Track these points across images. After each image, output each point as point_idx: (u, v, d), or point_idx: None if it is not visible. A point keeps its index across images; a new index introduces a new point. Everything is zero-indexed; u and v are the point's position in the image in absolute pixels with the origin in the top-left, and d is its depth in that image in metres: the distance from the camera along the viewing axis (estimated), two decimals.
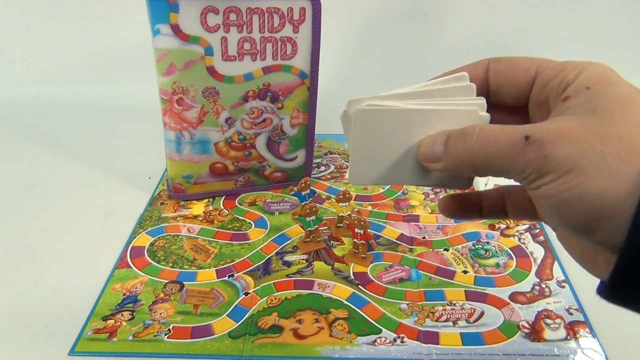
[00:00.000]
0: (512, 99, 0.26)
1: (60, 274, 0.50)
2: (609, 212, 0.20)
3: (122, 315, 0.45)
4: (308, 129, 0.59)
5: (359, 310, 0.45)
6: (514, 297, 0.46)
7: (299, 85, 0.56)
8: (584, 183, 0.20)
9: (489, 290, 0.47)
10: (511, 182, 0.24)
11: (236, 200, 0.60)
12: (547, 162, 0.21)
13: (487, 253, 0.51)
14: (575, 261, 0.26)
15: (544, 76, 0.25)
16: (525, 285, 0.48)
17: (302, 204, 0.53)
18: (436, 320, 0.44)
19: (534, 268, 0.50)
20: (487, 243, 0.53)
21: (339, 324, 0.44)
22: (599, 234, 0.21)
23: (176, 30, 0.50)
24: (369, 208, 0.58)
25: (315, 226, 0.52)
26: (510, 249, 0.52)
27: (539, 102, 0.25)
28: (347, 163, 0.66)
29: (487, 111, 0.25)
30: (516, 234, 0.54)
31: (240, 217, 0.57)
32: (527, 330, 0.43)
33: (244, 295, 0.47)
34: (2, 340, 0.43)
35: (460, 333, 0.43)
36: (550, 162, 0.21)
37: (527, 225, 0.55)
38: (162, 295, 0.47)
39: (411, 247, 0.52)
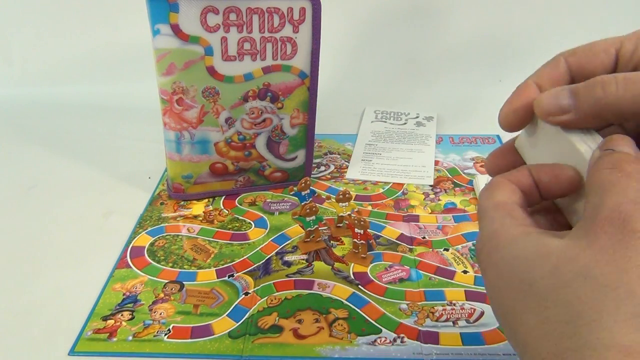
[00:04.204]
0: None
1: (60, 274, 0.50)
2: None
3: (122, 315, 0.45)
4: (308, 129, 0.59)
5: (359, 310, 0.45)
6: None
7: (299, 85, 0.56)
8: None
9: None
10: None
11: (236, 200, 0.60)
12: None
13: None
14: None
15: (624, 49, 0.25)
16: None
17: (302, 204, 0.53)
18: (436, 320, 0.44)
19: None
20: None
21: (339, 324, 0.44)
22: None
23: (176, 30, 0.50)
24: (369, 208, 0.58)
25: (315, 226, 0.52)
26: None
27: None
28: (347, 163, 0.66)
29: None
30: None
31: (240, 217, 0.57)
32: None
33: (244, 295, 0.47)
34: (2, 340, 0.43)
35: (460, 333, 0.43)
36: None
37: None
38: (162, 295, 0.47)
39: (411, 247, 0.52)
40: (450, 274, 0.49)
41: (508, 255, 0.24)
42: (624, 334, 0.19)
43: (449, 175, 0.64)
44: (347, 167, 0.66)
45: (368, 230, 0.51)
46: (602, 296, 0.20)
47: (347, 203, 0.54)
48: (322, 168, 0.66)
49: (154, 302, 0.46)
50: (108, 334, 0.43)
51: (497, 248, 0.25)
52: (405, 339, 0.42)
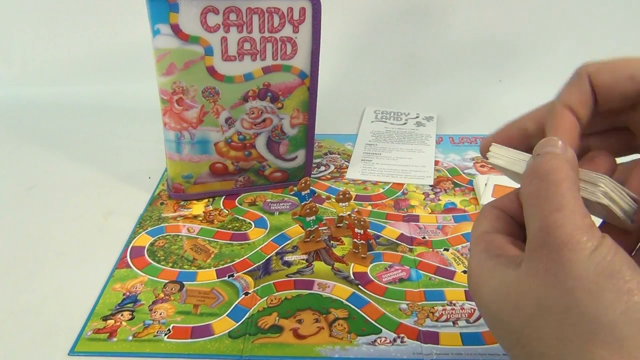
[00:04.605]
0: (619, 105, 0.27)
1: (60, 274, 0.50)
2: None
3: (122, 315, 0.45)
4: (308, 129, 0.59)
5: (359, 310, 0.45)
6: None
7: (299, 85, 0.56)
8: None
9: None
10: None
11: (236, 200, 0.60)
12: None
13: None
14: None
15: None
16: None
17: (302, 204, 0.53)
18: (436, 320, 0.44)
19: None
20: None
21: (339, 324, 0.44)
22: None
23: (176, 30, 0.50)
24: (369, 208, 0.58)
25: (315, 226, 0.52)
26: None
27: None
28: (347, 163, 0.66)
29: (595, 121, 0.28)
30: None
31: (240, 217, 0.57)
32: None
33: (244, 295, 0.47)
34: (2, 340, 0.43)
35: (460, 333, 0.43)
36: None
37: None
38: (162, 295, 0.47)
39: (411, 247, 0.52)
40: (450, 274, 0.49)
41: (484, 297, 0.25)
42: (582, 355, 0.21)
43: (449, 175, 0.64)
44: (347, 167, 0.66)
45: (368, 230, 0.51)
46: (558, 324, 0.21)
47: (347, 203, 0.54)
48: (322, 168, 0.66)
49: (154, 302, 0.46)
50: (108, 334, 0.43)
51: (476, 287, 0.26)
52: (405, 339, 0.42)
